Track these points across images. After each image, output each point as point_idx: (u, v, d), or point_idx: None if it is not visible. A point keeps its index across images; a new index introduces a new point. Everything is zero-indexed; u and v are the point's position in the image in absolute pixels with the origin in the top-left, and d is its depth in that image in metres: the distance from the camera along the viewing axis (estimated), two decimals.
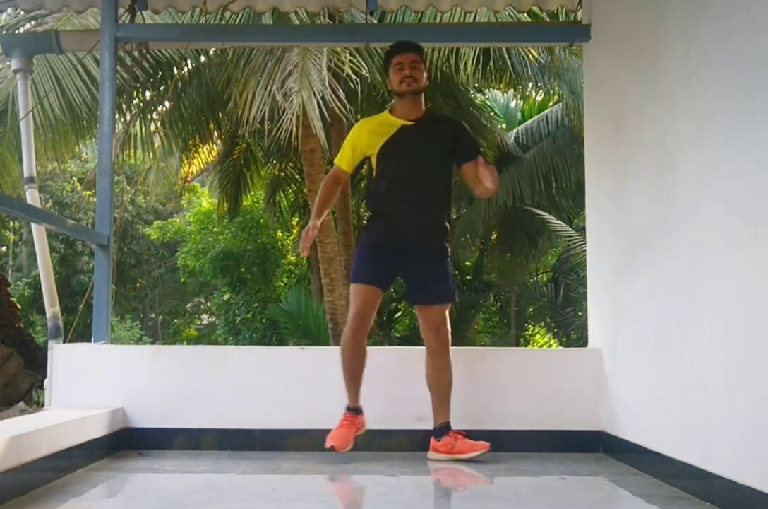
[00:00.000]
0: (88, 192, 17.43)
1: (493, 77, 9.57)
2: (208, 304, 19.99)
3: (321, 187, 3.39)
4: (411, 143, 3.20)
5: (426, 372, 3.19)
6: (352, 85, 7.66)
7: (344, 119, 7.99)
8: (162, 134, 9.45)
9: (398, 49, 3.26)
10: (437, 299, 3.19)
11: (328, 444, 3.08)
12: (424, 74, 3.24)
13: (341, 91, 7.32)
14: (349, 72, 7.25)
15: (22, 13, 6.84)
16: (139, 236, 19.62)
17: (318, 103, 7.02)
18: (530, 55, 8.91)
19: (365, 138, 3.26)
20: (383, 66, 3.40)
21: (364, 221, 3.35)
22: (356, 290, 3.15)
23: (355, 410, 3.18)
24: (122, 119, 8.56)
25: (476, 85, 10.59)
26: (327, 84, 7.15)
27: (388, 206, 3.22)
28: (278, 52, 7.31)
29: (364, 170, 8.99)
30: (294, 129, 6.98)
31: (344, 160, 3.32)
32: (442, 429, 3.15)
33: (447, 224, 3.28)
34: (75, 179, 18.68)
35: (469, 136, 3.35)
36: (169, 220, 18.16)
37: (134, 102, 8.77)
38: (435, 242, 3.23)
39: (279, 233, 14.93)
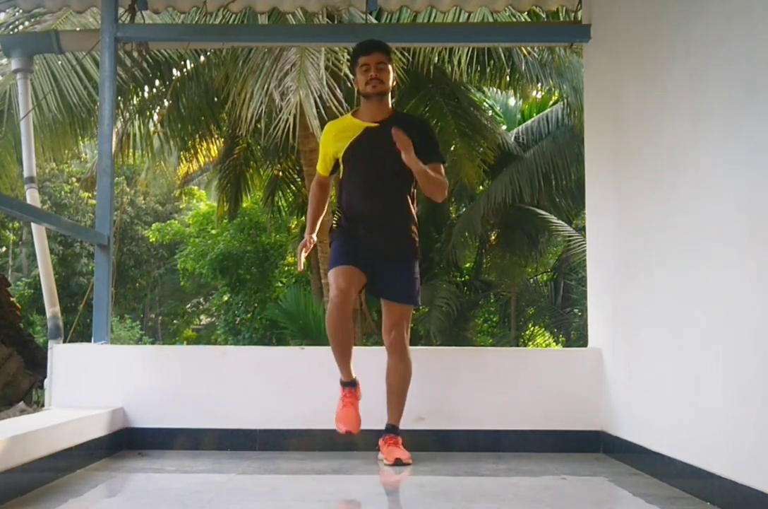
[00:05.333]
0: (87, 193, 17.41)
1: (493, 76, 9.59)
2: (208, 304, 19.99)
3: (309, 197, 3.44)
4: (375, 145, 3.16)
5: (386, 368, 3.19)
6: (349, 84, 7.65)
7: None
8: (161, 133, 9.45)
9: (364, 49, 3.20)
10: (400, 298, 3.18)
11: (342, 429, 3.07)
12: (391, 75, 3.20)
13: (339, 91, 7.32)
14: (347, 71, 7.25)
15: (21, 11, 6.83)
16: (138, 238, 19.61)
17: (315, 102, 7.02)
18: (531, 54, 8.92)
19: (332, 142, 3.25)
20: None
21: (333, 224, 3.34)
22: (334, 273, 3.10)
23: (351, 383, 3.17)
24: (121, 119, 8.55)
25: (476, 85, 10.60)
26: (324, 83, 7.15)
27: (355, 208, 3.21)
28: (276, 51, 7.31)
29: None
30: (292, 128, 6.98)
31: (320, 165, 3.37)
32: (386, 428, 3.17)
33: (413, 224, 3.26)
34: (74, 179, 18.66)
35: (431, 138, 3.28)
36: (168, 222, 18.15)
37: (134, 102, 8.76)
38: (403, 242, 3.22)
39: (275, 235, 14.93)
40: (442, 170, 3.23)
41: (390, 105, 3.27)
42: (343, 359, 3.12)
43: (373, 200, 3.18)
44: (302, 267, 3.35)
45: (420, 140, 3.12)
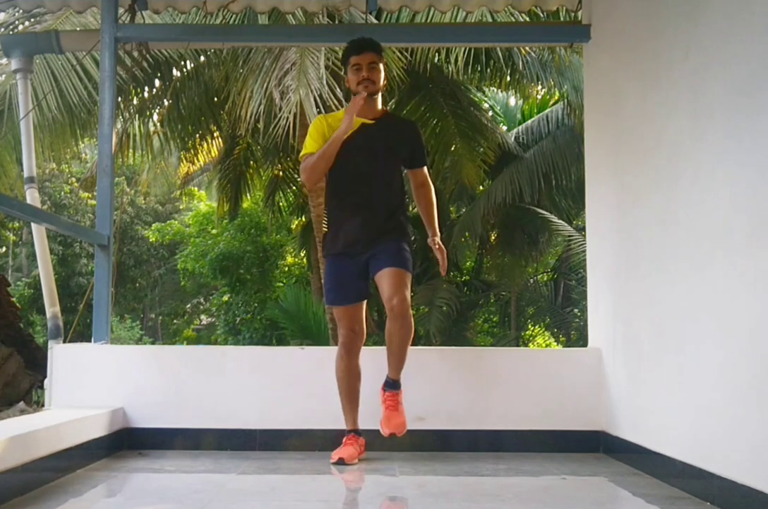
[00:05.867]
0: (87, 194, 17.41)
1: (493, 76, 9.59)
2: (208, 304, 19.99)
3: (309, 167, 3.18)
4: (371, 141, 3.18)
5: (386, 330, 3.11)
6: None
7: None
8: (161, 133, 9.45)
9: (356, 48, 3.18)
10: (394, 263, 3.10)
11: (335, 458, 3.07)
12: (382, 74, 3.20)
13: (339, 90, 7.32)
14: None
15: (21, 11, 6.83)
16: (138, 238, 19.61)
17: (315, 101, 7.02)
18: (530, 53, 8.92)
19: (327, 134, 3.18)
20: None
21: (324, 227, 3.32)
22: (337, 313, 3.22)
23: (355, 431, 3.19)
24: (121, 119, 8.56)
25: (476, 85, 10.59)
26: (324, 82, 7.15)
27: (346, 202, 3.21)
28: (276, 51, 7.31)
29: None
30: (292, 128, 6.98)
31: (315, 146, 3.16)
32: (386, 382, 3.14)
33: (402, 211, 3.27)
34: (74, 179, 18.66)
35: (422, 143, 3.39)
36: (168, 222, 18.16)
37: (134, 102, 8.76)
38: (393, 229, 3.20)
39: (275, 236, 14.94)
40: (427, 173, 3.38)
41: (380, 104, 3.28)
42: (350, 405, 3.18)
43: (365, 193, 3.19)
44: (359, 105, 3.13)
45: (413, 146, 3.28)
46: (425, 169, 3.36)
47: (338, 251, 3.20)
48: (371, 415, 3.19)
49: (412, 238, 3.36)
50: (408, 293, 3.08)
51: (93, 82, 7.61)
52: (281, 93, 7.16)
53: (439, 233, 3.37)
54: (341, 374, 3.18)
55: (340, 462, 3.04)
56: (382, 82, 3.21)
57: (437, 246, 3.32)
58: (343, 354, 3.19)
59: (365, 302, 3.25)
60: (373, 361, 3.21)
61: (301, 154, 3.25)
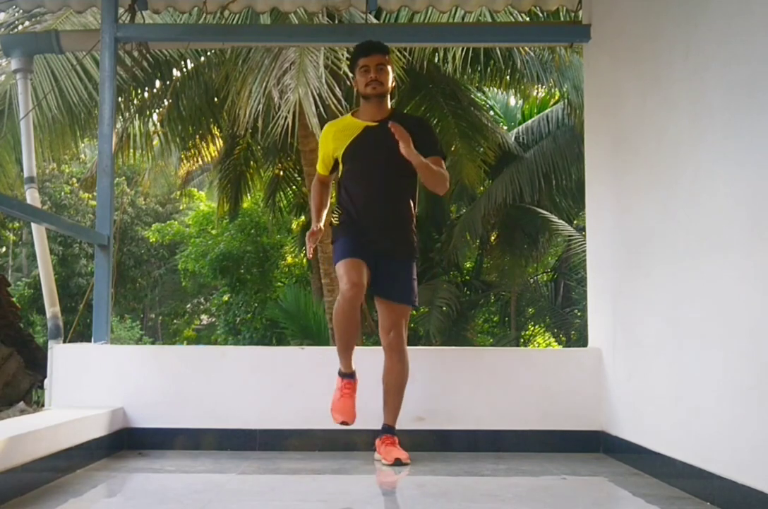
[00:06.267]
0: (87, 194, 17.41)
1: (493, 76, 9.59)
2: (208, 304, 20.00)
3: (312, 193, 3.45)
4: (375, 143, 3.19)
5: (383, 368, 3.18)
6: (349, 83, 7.66)
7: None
8: (161, 133, 9.45)
9: (364, 50, 3.21)
10: (399, 298, 3.18)
11: (338, 420, 3.09)
12: (390, 76, 3.22)
13: (338, 89, 7.32)
14: (346, 70, 7.25)
15: (21, 11, 6.83)
16: (138, 238, 19.61)
17: (315, 100, 7.03)
18: (529, 53, 8.92)
19: (331, 142, 3.27)
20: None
21: (334, 221, 3.32)
22: (343, 265, 3.11)
23: (350, 375, 3.18)
24: (121, 119, 8.56)
25: (477, 85, 10.59)
26: (324, 81, 7.15)
27: (355, 207, 3.21)
28: (275, 50, 7.32)
29: None
30: (291, 127, 6.98)
31: (320, 165, 3.39)
32: (383, 429, 3.17)
33: (413, 224, 3.27)
34: (74, 179, 18.67)
35: (429, 135, 3.31)
36: (168, 222, 18.16)
37: (134, 102, 8.76)
38: (401, 242, 3.23)
39: (275, 236, 14.94)
40: (443, 164, 3.25)
41: (389, 106, 3.28)
42: (347, 350, 3.14)
43: (373, 198, 3.19)
44: (311, 254, 3.31)
45: (419, 136, 3.13)
46: (440, 160, 3.21)
47: (350, 233, 3.20)
48: (372, 415, 3.19)
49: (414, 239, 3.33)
50: (406, 328, 3.19)
51: (93, 82, 7.61)
52: (280, 92, 7.17)
53: (417, 155, 3.06)
54: (343, 323, 3.08)
55: (398, 462, 3.02)
56: (390, 83, 3.22)
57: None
58: (343, 303, 3.06)
59: (368, 269, 3.12)
60: (373, 361, 3.21)
61: (316, 167, 3.41)
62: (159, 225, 17.82)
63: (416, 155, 3.03)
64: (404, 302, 3.20)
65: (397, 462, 3.02)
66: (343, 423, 3.09)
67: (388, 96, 3.26)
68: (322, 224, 3.33)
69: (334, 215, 3.33)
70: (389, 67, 3.22)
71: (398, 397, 3.18)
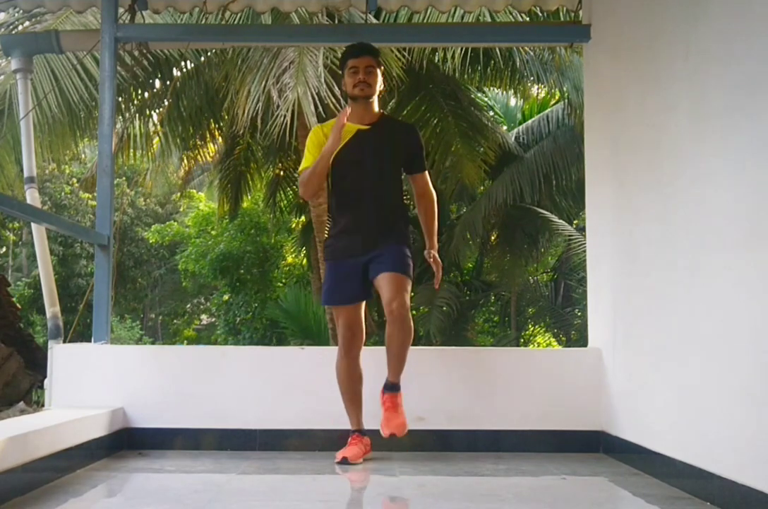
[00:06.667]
0: (87, 194, 17.41)
1: (494, 76, 9.58)
2: (208, 304, 20.00)
3: (304, 183, 3.25)
4: (368, 147, 3.18)
5: (386, 334, 3.12)
6: None
7: None
8: (161, 133, 9.45)
9: (354, 52, 3.22)
10: (394, 268, 3.11)
11: (339, 458, 3.07)
12: (379, 79, 3.22)
13: (337, 89, 7.31)
14: None
15: (21, 11, 6.83)
16: (138, 239, 19.61)
17: (313, 99, 7.02)
18: (530, 53, 8.91)
19: (324, 142, 3.19)
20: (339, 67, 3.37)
21: (325, 234, 3.31)
22: (336, 312, 3.22)
23: (359, 431, 3.19)
24: (121, 119, 8.55)
25: (477, 85, 10.59)
26: (323, 81, 7.15)
27: (348, 209, 3.21)
28: (275, 49, 7.32)
29: None
30: (290, 126, 6.98)
31: (312, 159, 3.21)
32: (385, 385, 3.13)
33: (405, 223, 3.27)
34: (74, 179, 18.67)
35: (421, 147, 3.34)
36: (167, 223, 18.16)
37: (135, 102, 8.76)
38: (394, 236, 3.20)
39: (275, 236, 14.94)
40: (428, 178, 3.36)
41: (377, 109, 3.28)
42: (353, 406, 3.18)
43: (365, 200, 3.19)
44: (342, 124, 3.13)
45: (410, 146, 3.24)
46: (426, 175, 3.33)
47: (338, 256, 3.22)
48: (373, 415, 3.19)
49: (412, 238, 3.34)
50: (407, 298, 3.09)
51: (93, 81, 7.61)
52: (279, 91, 7.16)
53: (436, 246, 3.35)
54: (342, 376, 3.19)
55: (344, 461, 3.05)
56: (378, 86, 3.22)
57: (432, 259, 3.32)
58: (343, 355, 3.19)
59: (364, 304, 3.24)
60: (373, 361, 3.21)
61: (300, 168, 3.30)
62: (158, 226, 17.82)
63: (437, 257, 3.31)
64: (399, 271, 3.11)
65: (393, 437, 3.04)
66: (344, 458, 3.06)
67: (376, 99, 3.26)
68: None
69: (327, 227, 3.33)
70: (378, 70, 3.22)
71: (401, 358, 3.09)
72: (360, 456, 3.11)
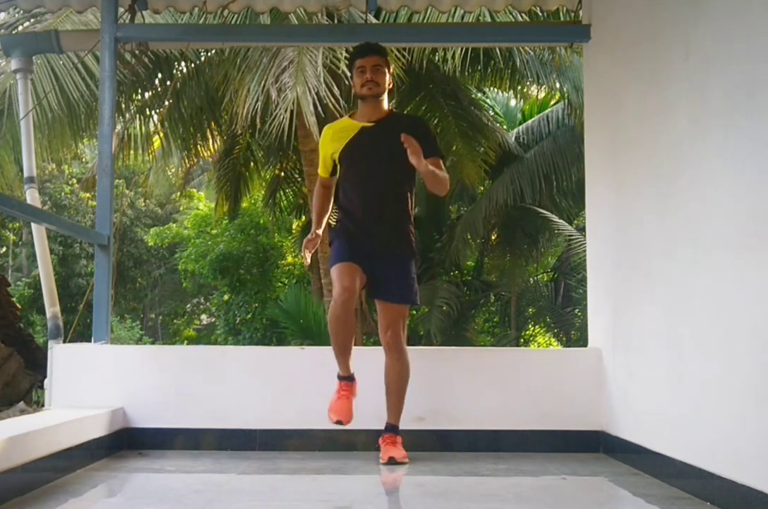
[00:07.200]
0: (87, 194, 17.41)
1: (494, 77, 9.58)
2: (208, 304, 20.00)
3: (314, 197, 3.47)
4: (370, 144, 3.20)
5: (384, 368, 3.18)
6: (347, 82, 7.64)
7: (339, 116, 7.98)
8: (161, 133, 9.45)
9: (361, 52, 3.24)
10: (395, 299, 3.18)
11: (333, 419, 3.09)
12: (387, 78, 3.23)
13: (336, 89, 7.31)
14: (345, 69, 7.24)
15: (21, 11, 6.83)
16: (138, 239, 19.62)
17: (313, 98, 7.02)
18: (530, 53, 8.91)
19: (329, 144, 3.29)
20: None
21: (333, 223, 3.34)
22: (337, 270, 3.11)
23: (348, 378, 3.18)
24: (121, 119, 8.55)
25: (477, 85, 10.59)
26: (322, 80, 7.15)
27: (352, 207, 3.23)
28: (274, 49, 7.32)
29: None
30: (289, 126, 6.98)
31: (321, 168, 3.41)
32: (385, 427, 3.19)
33: (410, 224, 3.27)
34: (74, 180, 18.67)
35: (428, 135, 3.28)
36: (166, 225, 18.15)
37: (135, 102, 8.76)
38: (399, 241, 3.23)
39: (275, 236, 14.94)
40: (442, 165, 3.26)
41: (386, 106, 3.29)
42: (343, 355, 3.14)
43: (369, 199, 3.20)
44: (308, 262, 3.35)
45: (418, 137, 3.09)
46: (438, 161, 3.19)
47: (344, 237, 3.22)
48: (373, 415, 3.19)
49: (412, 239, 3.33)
50: (404, 328, 3.18)
51: (94, 81, 7.60)
52: (278, 90, 7.16)
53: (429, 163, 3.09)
54: (338, 327, 3.06)
55: (392, 461, 3.04)
56: (387, 85, 3.23)
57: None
58: (336, 308, 3.04)
59: (363, 273, 3.13)
60: (373, 361, 3.21)
61: (318, 170, 3.44)
62: (157, 229, 17.81)
63: (425, 166, 3.04)
64: (402, 302, 3.20)
65: (392, 461, 3.03)
66: (338, 422, 3.09)
67: (386, 97, 3.27)
68: (320, 230, 3.36)
69: (333, 217, 3.34)
70: (386, 69, 3.23)
71: (399, 396, 3.18)
72: (352, 415, 3.10)
